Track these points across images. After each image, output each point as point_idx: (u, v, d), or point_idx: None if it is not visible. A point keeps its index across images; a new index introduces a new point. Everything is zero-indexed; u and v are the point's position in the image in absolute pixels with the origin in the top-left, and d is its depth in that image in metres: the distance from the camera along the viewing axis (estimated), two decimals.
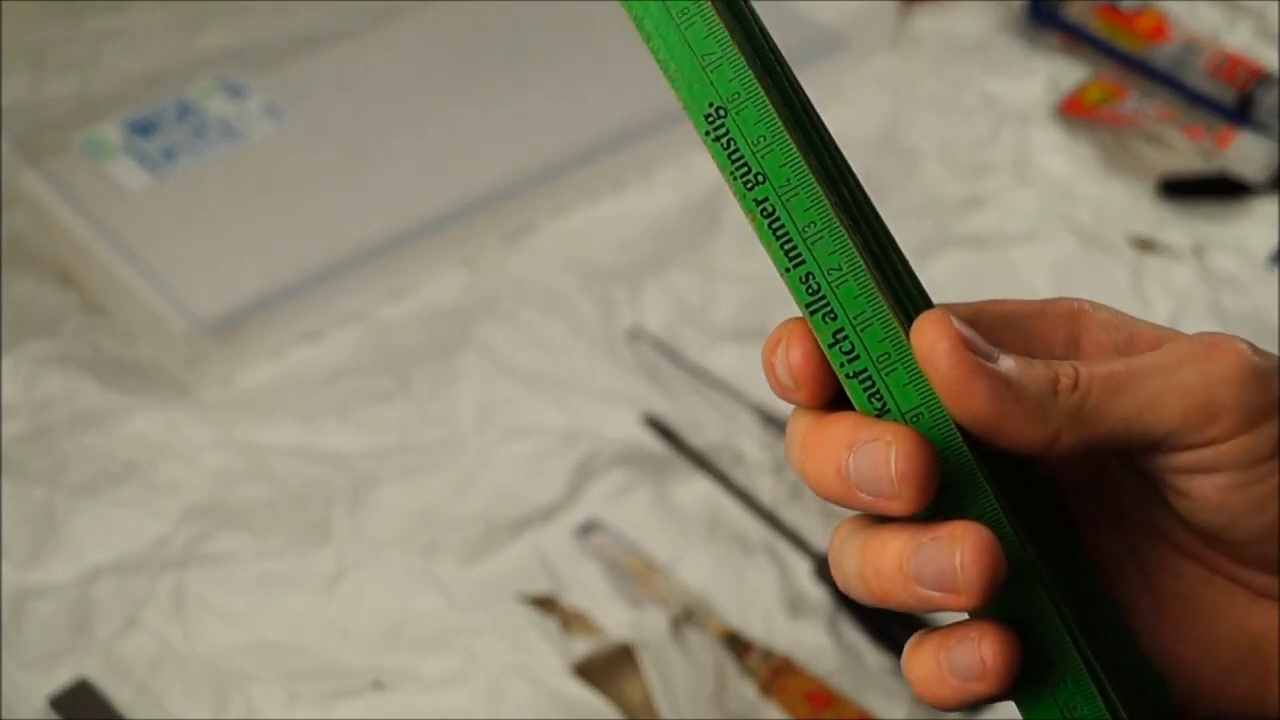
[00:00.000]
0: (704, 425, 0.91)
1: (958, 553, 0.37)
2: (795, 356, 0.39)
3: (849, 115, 1.11)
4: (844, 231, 0.38)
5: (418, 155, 1.05)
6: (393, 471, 0.89)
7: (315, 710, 0.78)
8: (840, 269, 0.38)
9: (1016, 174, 1.09)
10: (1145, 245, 1.03)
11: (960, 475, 0.38)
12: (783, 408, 0.90)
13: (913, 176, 1.08)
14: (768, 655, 0.79)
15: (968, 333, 0.38)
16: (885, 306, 0.38)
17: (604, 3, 1.15)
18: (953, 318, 0.38)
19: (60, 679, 0.78)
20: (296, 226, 1.00)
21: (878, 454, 0.38)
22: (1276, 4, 1.19)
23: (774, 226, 0.38)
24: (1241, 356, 0.39)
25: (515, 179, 1.03)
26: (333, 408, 0.92)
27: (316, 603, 0.83)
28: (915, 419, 0.38)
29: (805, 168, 0.38)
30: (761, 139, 0.38)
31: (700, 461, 0.89)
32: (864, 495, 0.38)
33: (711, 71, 0.38)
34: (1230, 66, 1.10)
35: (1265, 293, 0.99)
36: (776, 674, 0.78)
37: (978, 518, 0.38)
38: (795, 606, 0.82)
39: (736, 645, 0.80)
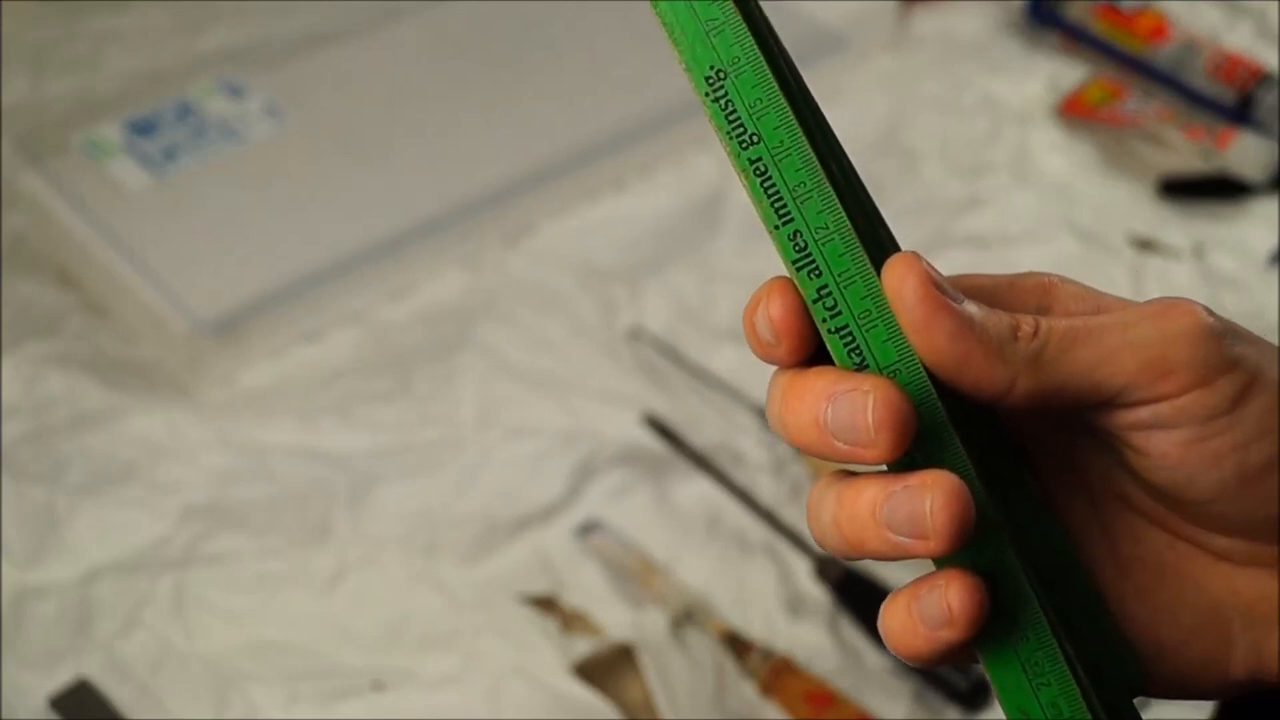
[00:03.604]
0: (704, 425, 0.91)
1: (928, 499, 0.38)
2: (776, 309, 0.40)
3: (849, 115, 1.11)
4: (833, 192, 0.40)
5: (418, 155, 1.05)
6: (393, 471, 0.89)
7: (315, 710, 0.78)
8: (827, 227, 0.40)
9: (1016, 174, 1.09)
10: (1145, 245, 1.03)
11: (933, 431, 0.40)
12: None
13: (913, 176, 1.08)
14: (768, 655, 0.79)
15: (936, 274, 0.39)
16: (868, 264, 0.40)
17: (604, 3, 1.15)
18: (923, 258, 0.39)
19: (60, 679, 0.78)
20: (296, 226, 1.00)
21: (856, 402, 0.39)
22: (1276, 4, 1.19)
23: (765, 185, 0.40)
24: (1195, 316, 0.41)
25: (515, 179, 1.03)
26: (333, 408, 0.92)
27: (316, 603, 0.83)
28: (893, 374, 0.39)
29: (799, 130, 0.40)
30: (758, 102, 0.40)
31: (700, 461, 0.89)
32: (840, 444, 0.39)
33: (714, 36, 0.40)
34: (1230, 66, 1.10)
35: (1265, 293, 0.99)
36: (776, 674, 0.78)
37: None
38: (795, 606, 0.82)
39: (736, 645, 0.80)
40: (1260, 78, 1.09)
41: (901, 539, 0.39)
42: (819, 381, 0.39)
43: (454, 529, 0.86)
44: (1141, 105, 1.10)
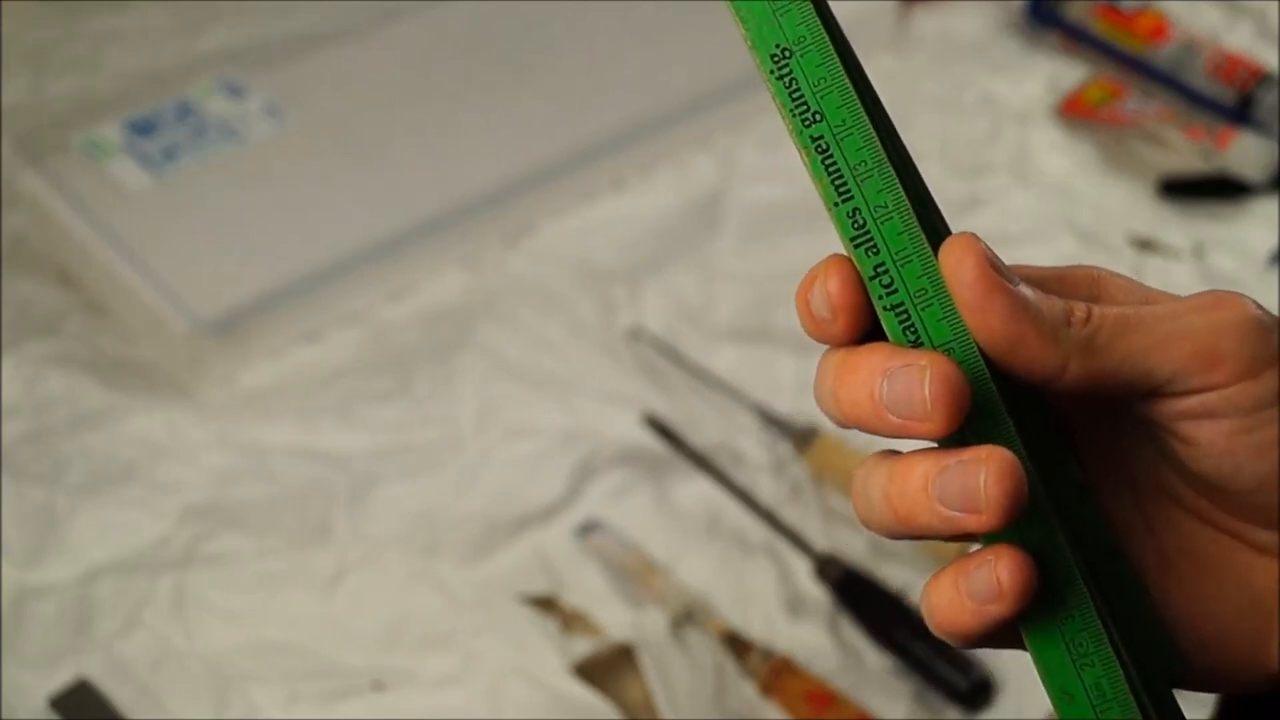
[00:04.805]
0: (704, 425, 0.91)
1: (982, 473, 0.39)
2: (834, 285, 0.40)
3: None
4: (893, 171, 0.40)
5: (418, 155, 1.05)
6: (393, 471, 0.89)
7: (315, 710, 0.78)
8: (886, 206, 0.40)
9: (1016, 174, 1.09)
10: (1145, 245, 1.03)
11: (985, 410, 0.40)
12: (782, 407, 0.90)
13: None
14: (768, 655, 0.79)
15: (993, 256, 0.40)
16: (925, 244, 0.40)
17: (604, 2, 1.15)
18: (981, 239, 0.40)
19: (60, 679, 0.78)
20: (296, 226, 1.00)
21: (912, 376, 0.39)
22: (1276, 4, 1.19)
23: (827, 163, 0.40)
24: (1245, 308, 0.42)
25: (515, 179, 1.03)
26: (333, 408, 0.92)
27: (317, 603, 0.83)
28: (947, 352, 0.40)
29: (861, 110, 0.40)
30: (822, 80, 0.41)
31: (700, 461, 0.89)
32: (894, 418, 0.39)
33: (781, 16, 0.41)
34: (1230, 66, 1.10)
35: (1265, 293, 0.99)
36: (776, 674, 0.78)
37: None
38: (795, 606, 0.82)
39: (736, 645, 0.80)
40: (1260, 78, 1.09)
41: (953, 513, 0.39)
42: (874, 356, 0.40)
43: (454, 529, 0.86)
44: (1141, 105, 1.10)
